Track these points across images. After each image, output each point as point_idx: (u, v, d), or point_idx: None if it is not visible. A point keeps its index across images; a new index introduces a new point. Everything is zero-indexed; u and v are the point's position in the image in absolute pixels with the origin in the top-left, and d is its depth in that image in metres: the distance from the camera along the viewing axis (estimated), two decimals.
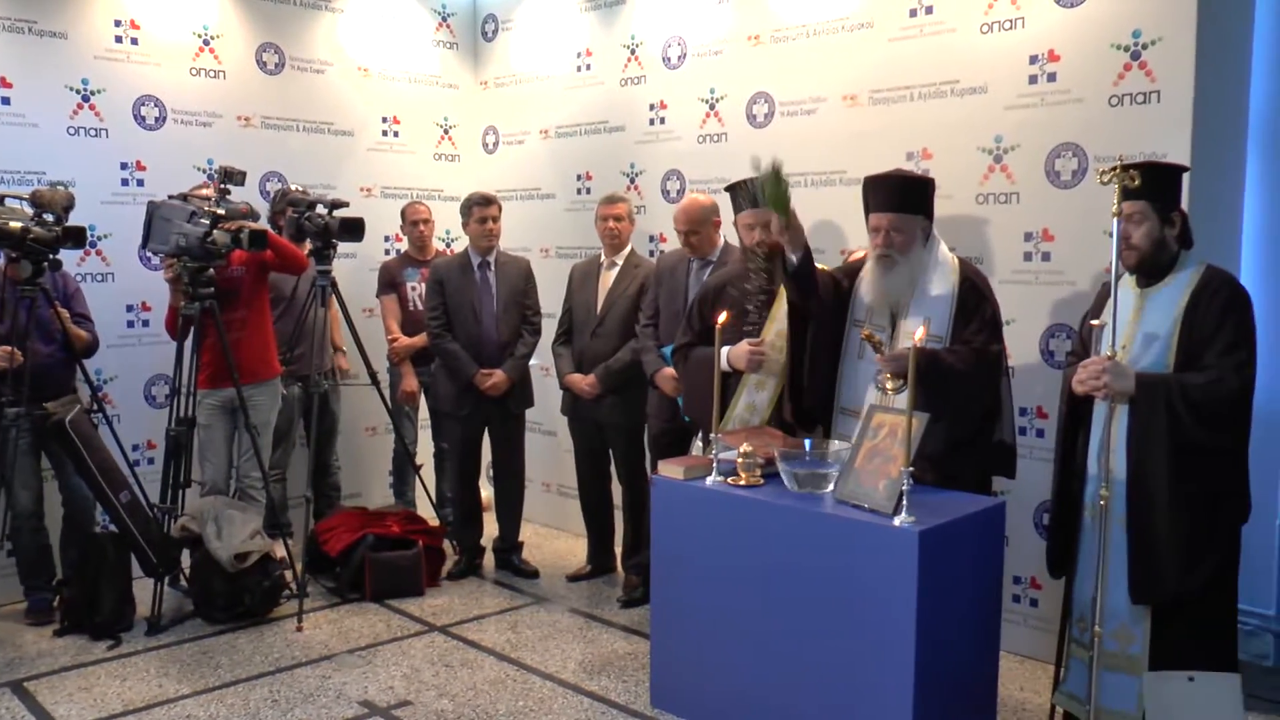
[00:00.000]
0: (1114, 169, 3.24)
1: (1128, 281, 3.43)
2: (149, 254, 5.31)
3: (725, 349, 4.09)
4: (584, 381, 5.19)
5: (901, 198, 3.74)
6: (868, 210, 3.83)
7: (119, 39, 5.48)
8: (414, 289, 5.97)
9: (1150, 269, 3.36)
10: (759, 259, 4.15)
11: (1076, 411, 3.47)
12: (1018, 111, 4.37)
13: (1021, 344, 4.38)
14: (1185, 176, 3.47)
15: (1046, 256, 4.34)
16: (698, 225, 4.79)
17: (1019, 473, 4.05)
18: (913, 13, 4.67)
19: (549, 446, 6.41)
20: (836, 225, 4.97)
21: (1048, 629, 4.22)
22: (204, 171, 5.72)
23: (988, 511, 3.43)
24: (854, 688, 3.30)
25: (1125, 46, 4.08)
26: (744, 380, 4.18)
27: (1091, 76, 4.18)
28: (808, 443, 3.72)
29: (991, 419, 3.79)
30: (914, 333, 3.39)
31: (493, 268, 5.46)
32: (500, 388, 5.40)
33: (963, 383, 3.62)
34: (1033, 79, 4.33)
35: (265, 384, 5.22)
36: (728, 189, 4.39)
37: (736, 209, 4.32)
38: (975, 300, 3.72)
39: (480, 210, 5.37)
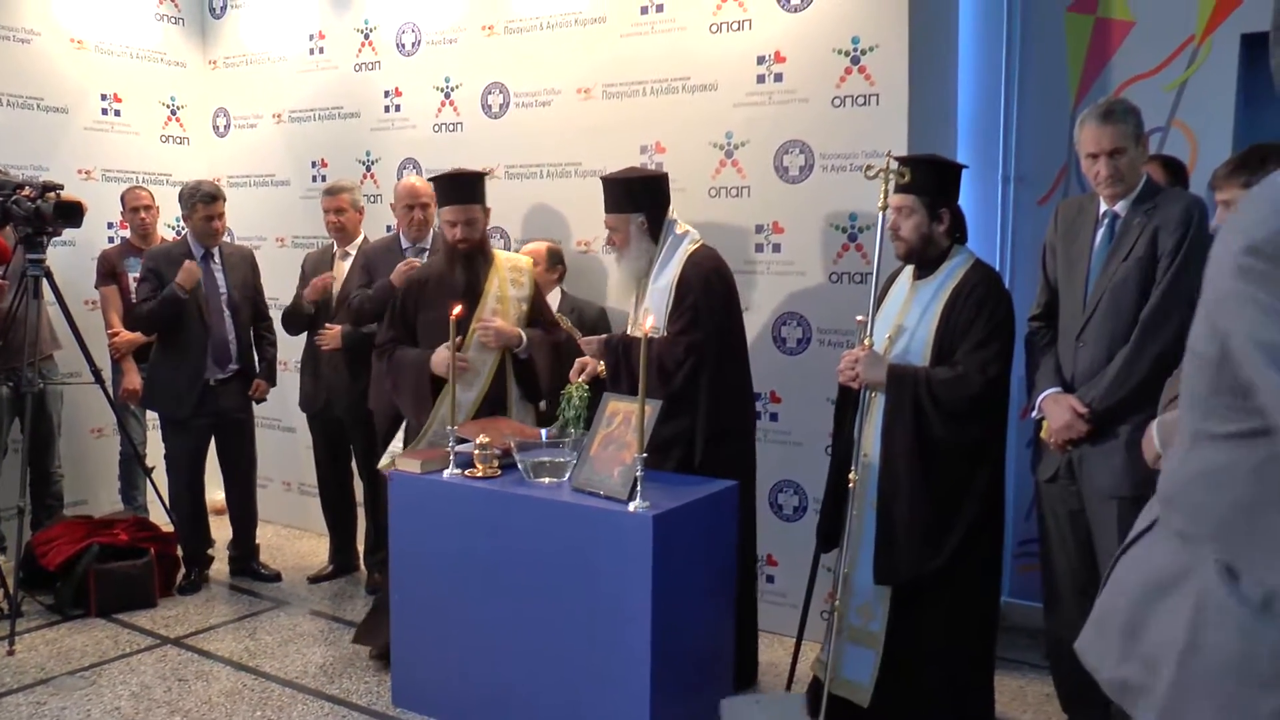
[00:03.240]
0: (885, 166, 3.33)
1: (906, 273, 3.56)
2: None
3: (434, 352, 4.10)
4: (330, 332, 5.00)
5: (613, 198, 3.87)
6: None
7: None
8: (136, 280, 5.61)
9: (921, 261, 3.47)
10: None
11: (846, 396, 3.58)
12: (747, 109, 4.53)
13: (753, 331, 4.55)
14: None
15: (777, 248, 4.53)
16: (428, 199, 4.77)
17: (757, 455, 4.13)
18: (644, 10, 4.76)
19: (288, 443, 6.16)
20: (569, 217, 5.04)
21: (784, 603, 4.42)
22: None
23: (721, 493, 3.55)
24: (593, 672, 3.35)
25: (846, 51, 4.29)
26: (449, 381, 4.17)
27: (816, 78, 4.37)
28: (543, 432, 3.75)
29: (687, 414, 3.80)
30: (642, 324, 3.44)
31: (218, 258, 5.17)
32: (264, 394, 5.26)
33: (652, 370, 3.62)
34: (760, 78, 4.50)
35: None
36: (431, 179, 4.33)
37: (441, 202, 4.23)
38: (683, 292, 3.77)
39: (205, 209, 5.02)
